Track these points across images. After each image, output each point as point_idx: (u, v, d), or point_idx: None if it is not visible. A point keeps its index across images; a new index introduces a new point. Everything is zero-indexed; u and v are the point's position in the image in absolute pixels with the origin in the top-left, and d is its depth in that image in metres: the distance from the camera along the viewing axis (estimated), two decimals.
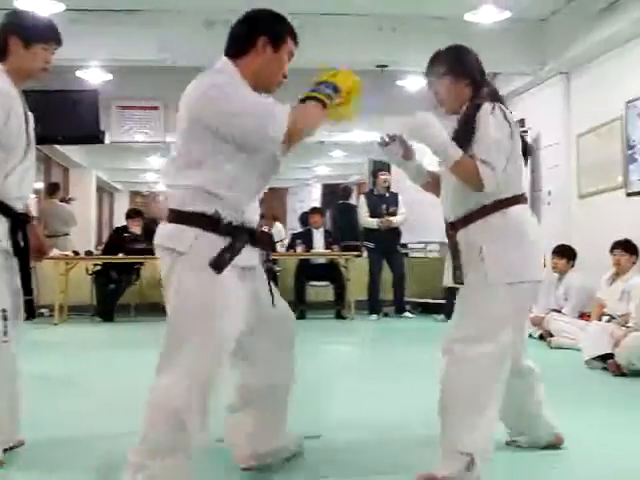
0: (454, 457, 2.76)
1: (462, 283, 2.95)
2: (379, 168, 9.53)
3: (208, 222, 2.55)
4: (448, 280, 3.06)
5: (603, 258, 6.64)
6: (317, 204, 17.09)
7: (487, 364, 2.81)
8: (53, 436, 3.55)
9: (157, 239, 2.63)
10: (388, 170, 9.46)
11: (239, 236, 2.60)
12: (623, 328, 5.65)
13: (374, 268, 9.56)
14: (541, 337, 7.15)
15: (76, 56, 8.16)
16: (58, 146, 13.20)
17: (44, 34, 3.14)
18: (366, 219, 9.58)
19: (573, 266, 7.36)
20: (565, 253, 7.29)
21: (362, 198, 9.91)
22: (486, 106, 2.95)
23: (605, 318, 6.32)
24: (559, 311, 7.18)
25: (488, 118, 2.92)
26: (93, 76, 10.04)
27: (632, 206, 7.19)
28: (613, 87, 7.60)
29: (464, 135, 2.94)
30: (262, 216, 2.87)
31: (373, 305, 9.59)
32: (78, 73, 9.86)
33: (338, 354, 6.86)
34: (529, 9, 8.09)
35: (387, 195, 9.66)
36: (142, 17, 7.93)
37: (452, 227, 3.02)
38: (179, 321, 2.56)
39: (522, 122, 9.55)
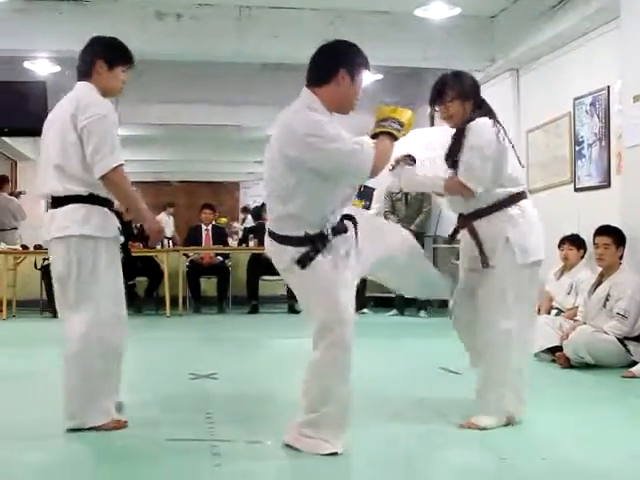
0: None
1: (488, 266, 3.59)
2: None
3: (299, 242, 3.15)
4: (468, 262, 3.77)
5: (552, 252, 6.74)
6: None
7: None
8: None
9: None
10: None
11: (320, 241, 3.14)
12: (571, 321, 5.75)
13: None
14: None
15: (23, 47, 8.02)
16: (5, 138, 12.95)
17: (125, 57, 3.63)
18: None
19: None
20: None
21: None
22: (476, 120, 3.63)
23: (554, 312, 6.42)
24: None
25: (476, 129, 3.60)
26: (41, 67, 9.87)
27: (580, 201, 7.30)
28: (561, 84, 7.70)
29: (455, 148, 3.64)
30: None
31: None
32: (26, 64, 9.69)
33: (294, 347, 6.84)
34: (479, 6, 8.16)
35: (362, 189, 9.63)
36: (92, 7, 7.80)
37: (466, 219, 3.70)
38: None
39: None
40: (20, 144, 14.32)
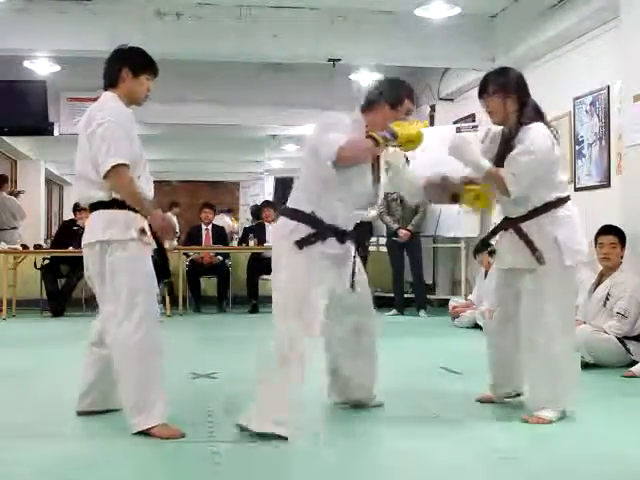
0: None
1: (544, 263, 3.69)
2: None
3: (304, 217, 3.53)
4: (513, 262, 3.85)
5: None
6: (270, 198, 17.05)
7: None
8: None
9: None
10: None
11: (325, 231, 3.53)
12: None
13: None
14: None
15: (23, 46, 8.02)
16: (5, 137, 12.96)
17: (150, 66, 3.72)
18: None
19: None
20: None
21: None
22: (532, 125, 3.73)
23: None
24: None
25: (534, 135, 3.69)
26: (41, 67, 9.86)
27: (580, 201, 7.26)
28: (561, 83, 7.69)
29: (504, 150, 3.76)
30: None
31: None
32: (25, 64, 9.68)
33: None
34: (479, 5, 8.16)
35: None
36: (92, 7, 7.80)
37: (511, 221, 3.83)
38: None
39: (473, 117, 9.64)
40: (20, 143, 14.34)
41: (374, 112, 3.68)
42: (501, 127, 3.93)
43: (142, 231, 3.56)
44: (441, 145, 4.09)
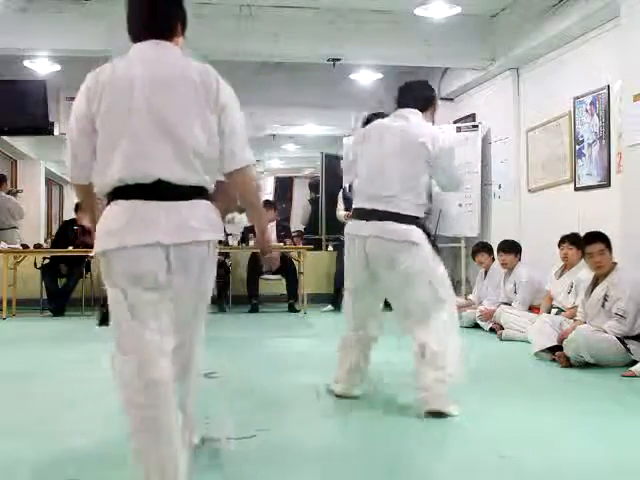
0: None
1: None
2: None
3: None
4: None
5: (552, 251, 6.73)
6: (270, 197, 17.03)
7: None
8: None
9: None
10: None
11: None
12: (571, 321, 5.74)
13: (339, 261, 9.55)
14: (492, 330, 7.24)
15: (23, 45, 8.02)
16: (5, 137, 12.95)
17: None
18: (338, 213, 9.50)
19: (520, 260, 7.45)
20: (512, 248, 7.38)
21: (340, 193, 9.78)
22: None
23: (554, 311, 6.42)
24: (509, 304, 7.27)
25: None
26: (41, 66, 9.86)
27: (580, 200, 7.29)
28: (562, 83, 7.70)
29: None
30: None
31: (334, 297, 9.59)
32: (25, 63, 9.68)
33: (294, 346, 6.84)
34: (479, 5, 8.16)
35: None
36: (91, 7, 7.79)
37: None
38: None
39: (473, 117, 9.64)
40: (20, 143, 14.33)
41: (428, 112, 4.31)
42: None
43: None
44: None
